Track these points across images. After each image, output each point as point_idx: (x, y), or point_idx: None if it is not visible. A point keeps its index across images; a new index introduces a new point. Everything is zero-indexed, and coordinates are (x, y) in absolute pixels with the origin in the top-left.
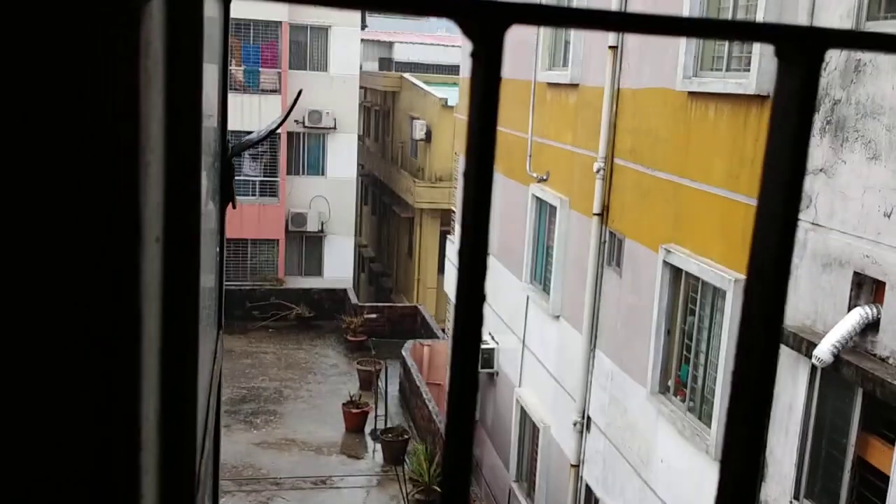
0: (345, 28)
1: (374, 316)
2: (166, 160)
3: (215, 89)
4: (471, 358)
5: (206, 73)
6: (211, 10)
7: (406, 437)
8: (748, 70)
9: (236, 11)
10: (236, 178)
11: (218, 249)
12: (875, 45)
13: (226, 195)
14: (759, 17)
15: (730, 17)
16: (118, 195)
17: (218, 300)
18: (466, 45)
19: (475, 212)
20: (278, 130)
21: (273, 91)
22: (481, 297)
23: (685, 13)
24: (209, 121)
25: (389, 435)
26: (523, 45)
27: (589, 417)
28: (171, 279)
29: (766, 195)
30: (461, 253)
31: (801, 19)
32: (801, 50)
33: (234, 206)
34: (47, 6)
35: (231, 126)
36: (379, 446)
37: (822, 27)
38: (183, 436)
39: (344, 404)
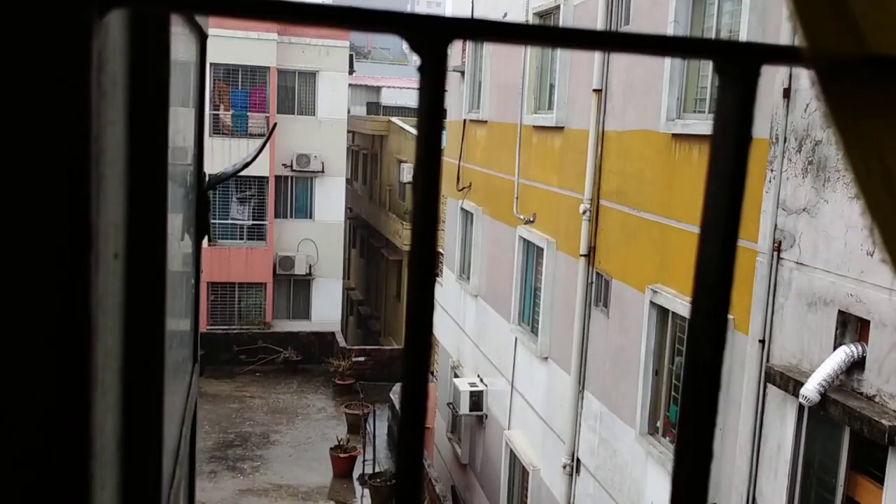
0: (332, 73)
1: (362, 359)
2: (129, 179)
3: (191, 125)
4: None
5: (181, 111)
6: (187, 51)
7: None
8: None
9: (225, 57)
10: (225, 221)
11: (194, 282)
12: None
13: (202, 228)
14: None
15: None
16: (66, 204)
17: (194, 333)
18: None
19: (423, 227)
20: (266, 175)
21: (261, 135)
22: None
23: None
24: (184, 155)
25: (378, 480)
26: (509, 89)
27: (578, 460)
28: (134, 293)
29: (709, 207)
30: (410, 264)
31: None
32: (739, 64)
33: (209, 241)
34: None
35: (219, 169)
36: (367, 491)
37: (758, 42)
38: (147, 456)
39: (332, 449)
